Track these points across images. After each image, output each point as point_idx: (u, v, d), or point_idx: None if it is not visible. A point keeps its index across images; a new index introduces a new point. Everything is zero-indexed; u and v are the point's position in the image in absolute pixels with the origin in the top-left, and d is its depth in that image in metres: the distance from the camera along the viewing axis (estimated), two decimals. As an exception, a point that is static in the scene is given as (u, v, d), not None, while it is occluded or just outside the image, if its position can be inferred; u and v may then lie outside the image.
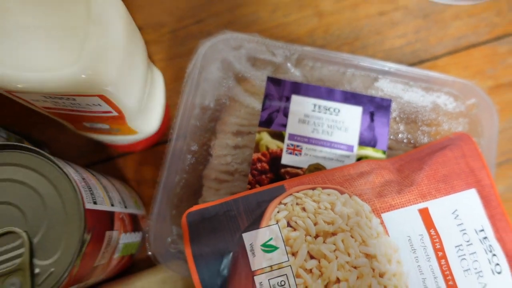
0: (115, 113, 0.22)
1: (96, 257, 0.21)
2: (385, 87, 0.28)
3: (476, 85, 0.29)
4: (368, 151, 0.27)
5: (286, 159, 0.26)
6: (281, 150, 0.26)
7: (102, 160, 0.33)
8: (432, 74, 0.29)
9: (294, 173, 0.26)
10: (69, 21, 0.18)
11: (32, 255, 0.19)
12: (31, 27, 0.18)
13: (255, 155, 0.26)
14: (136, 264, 0.31)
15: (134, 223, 0.27)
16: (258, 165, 0.26)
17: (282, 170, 0.26)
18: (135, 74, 0.22)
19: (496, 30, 0.37)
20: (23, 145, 0.19)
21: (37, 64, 0.18)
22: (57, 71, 0.18)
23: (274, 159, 0.26)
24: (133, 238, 0.27)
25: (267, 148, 0.26)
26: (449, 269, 0.22)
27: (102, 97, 0.19)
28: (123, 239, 0.25)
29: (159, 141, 0.33)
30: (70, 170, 0.20)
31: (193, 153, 0.27)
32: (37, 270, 0.19)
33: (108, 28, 0.18)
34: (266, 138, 0.27)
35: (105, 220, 0.22)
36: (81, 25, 0.18)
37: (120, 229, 0.24)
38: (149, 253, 0.24)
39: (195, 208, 0.23)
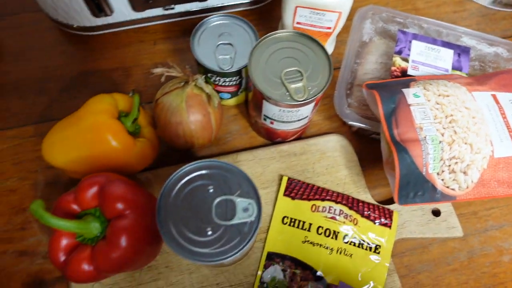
0: (331, 30, 0.43)
1: (320, 98, 0.41)
2: (466, 41, 0.49)
3: (520, 45, 0.49)
4: (457, 72, 0.47)
5: (410, 72, 0.46)
6: (407, 67, 0.46)
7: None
8: (494, 37, 0.49)
9: (414, 80, 0.46)
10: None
11: (305, 80, 0.38)
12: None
13: (393, 68, 0.46)
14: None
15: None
16: (394, 73, 0.46)
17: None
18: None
19: (530, 28, 0.58)
20: (305, 33, 0.40)
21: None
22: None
23: (403, 71, 0.46)
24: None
25: (399, 65, 0.46)
26: (508, 122, 0.41)
27: (339, 14, 0.40)
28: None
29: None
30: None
31: (355, 64, 0.48)
32: (309, 88, 0.38)
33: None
34: (398, 60, 0.47)
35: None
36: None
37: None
38: (337, 113, 0.44)
39: (369, 82, 0.43)
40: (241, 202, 0.32)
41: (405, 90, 0.41)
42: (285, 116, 0.40)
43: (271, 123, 0.43)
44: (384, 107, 0.40)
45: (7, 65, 0.52)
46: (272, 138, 0.48)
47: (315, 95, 0.38)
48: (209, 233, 0.31)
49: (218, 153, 0.48)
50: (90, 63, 0.52)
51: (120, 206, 0.32)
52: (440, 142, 0.38)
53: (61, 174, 0.46)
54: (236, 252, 0.30)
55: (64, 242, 0.33)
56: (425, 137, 0.38)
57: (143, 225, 0.34)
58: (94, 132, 0.38)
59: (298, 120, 0.42)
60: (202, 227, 0.31)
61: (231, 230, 0.31)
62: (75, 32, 0.51)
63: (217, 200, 0.32)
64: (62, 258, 0.33)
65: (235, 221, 0.31)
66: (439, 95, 0.41)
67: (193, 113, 0.41)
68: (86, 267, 0.32)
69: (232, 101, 0.49)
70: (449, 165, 0.39)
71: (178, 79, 0.43)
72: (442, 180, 0.39)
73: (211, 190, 0.32)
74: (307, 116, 0.42)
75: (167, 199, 0.32)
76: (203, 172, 0.33)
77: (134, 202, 0.34)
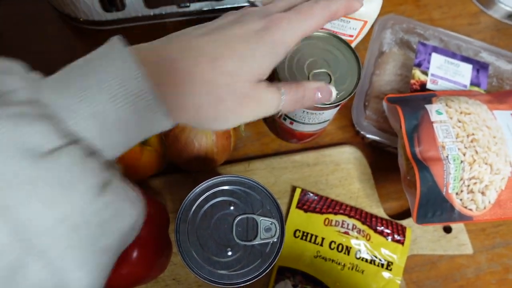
0: (353, 38, 0.42)
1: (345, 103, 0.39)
2: (485, 57, 0.48)
3: (537, 63, 0.49)
4: (475, 88, 0.46)
5: (429, 86, 0.45)
6: (426, 80, 0.46)
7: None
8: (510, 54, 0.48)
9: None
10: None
11: (333, 83, 0.36)
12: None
13: (412, 81, 0.45)
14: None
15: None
16: (413, 86, 0.45)
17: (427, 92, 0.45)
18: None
19: (543, 44, 0.58)
20: (336, 34, 0.38)
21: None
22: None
23: (422, 84, 0.45)
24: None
25: (418, 78, 0.45)
26: (528, 143, 0.40)
27: (364, 23, 0.39)
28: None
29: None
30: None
31: (374, 75, 0.46)
32: (336, 92, 0.36)
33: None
34: (418, 73, 0.46)
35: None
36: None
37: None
38: (355, 124, 0.43)
39: (390, 95, 0.41)
40: (263, 221, 0.30)
41: (428, 107, 0.40)
42: (307, 118, 0.39)
43: (291, 123, 0.41)
44: (406, 124, 0.39)
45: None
46: (287, 138, 0.46)
47: (343, 99, 0.36)
48: (229, 253, 0.29)
49: (229, 161, 0.46)
50: (95, 58, 0.49)
51: (134, 220, 0.31)
52: (461, 161, 0.37)
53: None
54: (257, 276, 0.29)
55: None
56: (447, 156, 0.37)
57: (154, 238, 0.32)
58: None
59: (319, 123, 0.40)
60: (222, 247, 0.30)
61: (252, 251, 0.30)
62: (81, 26, 0.48)
63: (238, 218, 0.30)
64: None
65: (256, 241, 0.30)
66: (461, 113, 0.40)
67: (218, 136, 0.39)
68: (95, 283, 0.30)
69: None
70: (468, 185, 0.38)
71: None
72: (461, 200, 0.38)
73: (231, 208, 0.31)
74: (328, 120, 0.41)
75: (186, 216, 0.30)
76: (224, 188, 0.31)
77: (146, 214, 0.32)
